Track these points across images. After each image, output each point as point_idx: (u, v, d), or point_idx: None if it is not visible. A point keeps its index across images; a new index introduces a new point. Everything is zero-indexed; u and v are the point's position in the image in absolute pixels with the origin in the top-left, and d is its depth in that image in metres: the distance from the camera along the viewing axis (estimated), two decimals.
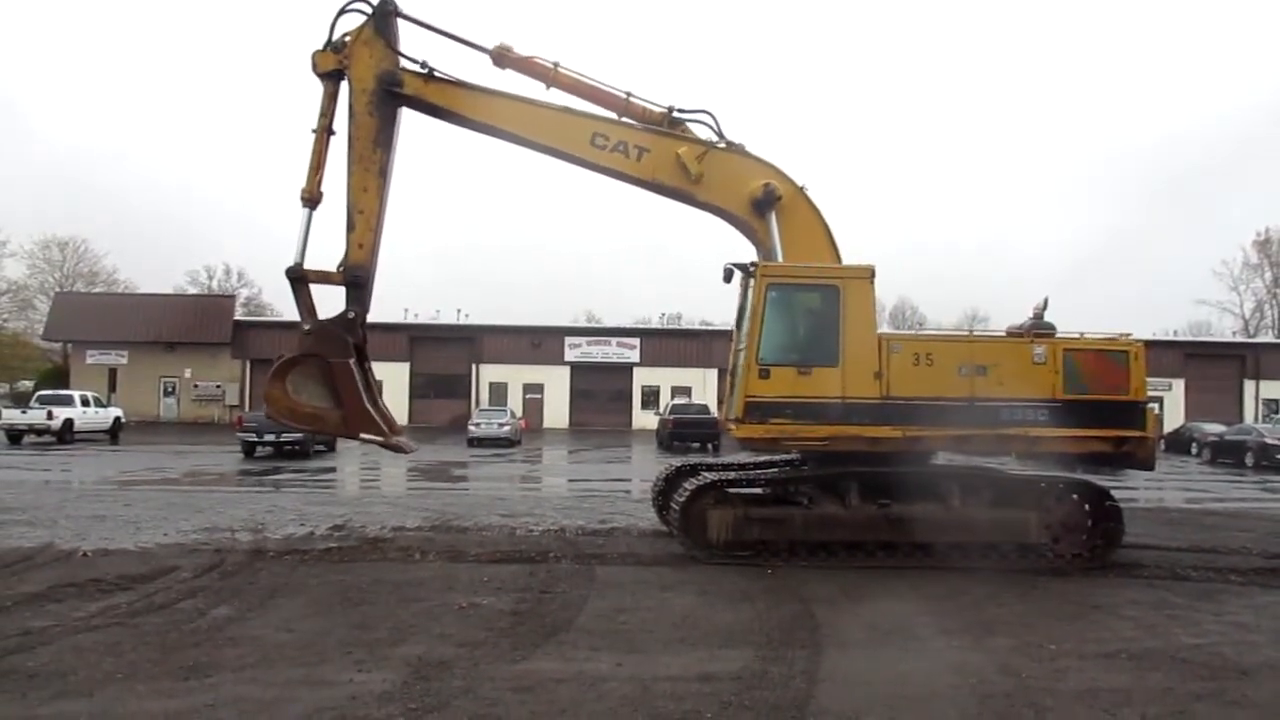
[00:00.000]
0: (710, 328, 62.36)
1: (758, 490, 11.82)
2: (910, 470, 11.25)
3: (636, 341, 55.77)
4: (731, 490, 11.48)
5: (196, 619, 8.07)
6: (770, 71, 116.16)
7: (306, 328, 11.55)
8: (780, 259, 11.60)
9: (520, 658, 7.10)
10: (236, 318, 56.51)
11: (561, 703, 6.12)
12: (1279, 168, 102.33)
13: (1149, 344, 48.88)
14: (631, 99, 12.21)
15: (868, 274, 11.23)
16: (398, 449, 12.22)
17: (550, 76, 12.16)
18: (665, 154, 11.93)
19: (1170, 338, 60.09)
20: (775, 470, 12.51)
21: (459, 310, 57.90)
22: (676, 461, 14.64)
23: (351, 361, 11.58)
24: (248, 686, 6.31)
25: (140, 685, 6.28)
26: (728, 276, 11.65)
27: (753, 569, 10.62)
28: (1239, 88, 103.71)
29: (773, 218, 11.81)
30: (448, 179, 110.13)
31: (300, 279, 11.56)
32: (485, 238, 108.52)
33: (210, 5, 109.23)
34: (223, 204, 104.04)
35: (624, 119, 12.17)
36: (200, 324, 53.97)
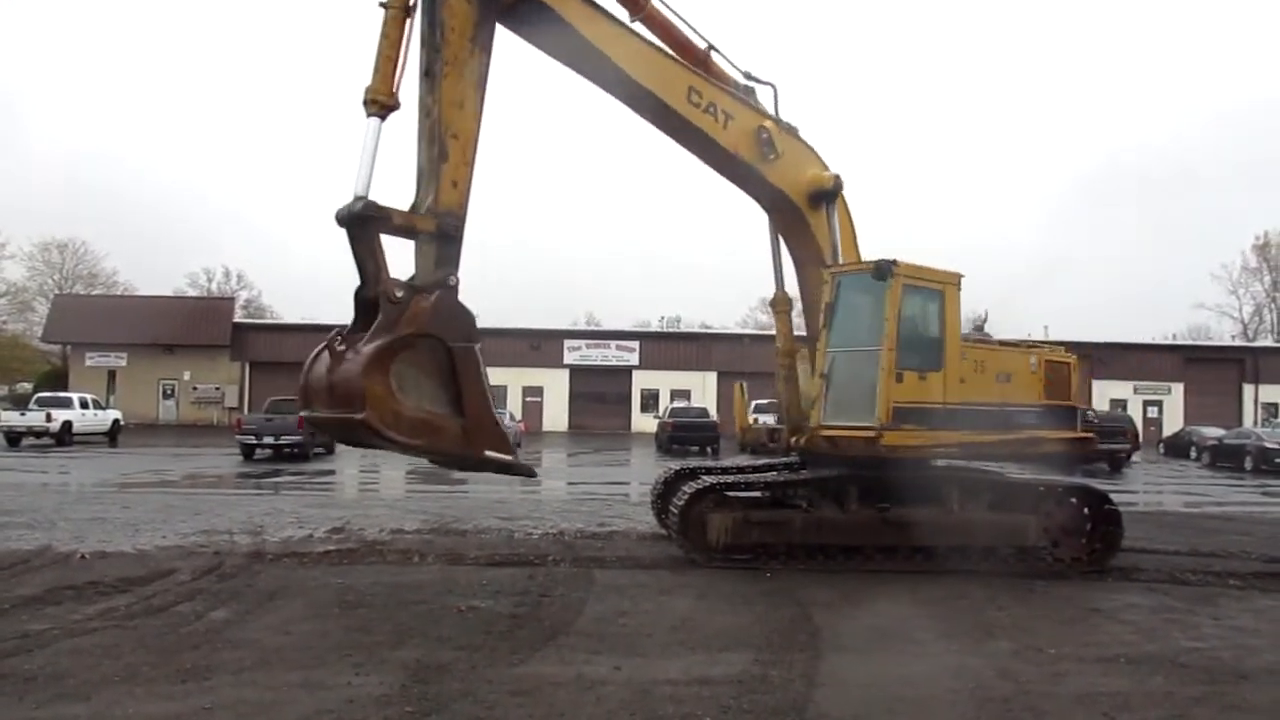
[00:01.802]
0: (709, 331, 62.48)
1: (757, 494, 11.81)
2: (909, 474, 11.26)
3: (636, 344, 55.76)
4: (730, 494, 11.47)
5: (194, 622, 8.06)
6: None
7: (398, 294, 8.05)
8: (840, 256, 11.59)
9: (519, 661, 7.10)
10: (236, 320, 56.50)
11: (560, 706, 6.12)
12: (1278, 171, 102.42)
13: (1149, 348, 48.43)
14: (713, 54, 11.13)
15: (959, 280, 11.41)
16: (524, 473, 9.56)
17: (643, 5, 10.47)
18: (748, 125, 11.17)
19: (1170, 341, 60.16)
20: (774, 474, 12.51)
21: None
22: (675, 465, 14.63)
23: (479, 348, 8.58)
24: (246, 689, 6.30)
25: (138, 688, 6.27)
26: (883, 274, 10.82)
27: (751, 572, 10.61)
28: (1240, 90, 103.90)
29: (834, 212, 11.70)
30: None
31: (372, 219, 8.05)
32: (484, 240, 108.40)
33: (204, 6, 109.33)
34: (222, 206, 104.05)
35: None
36: (199, 326, 53.97)
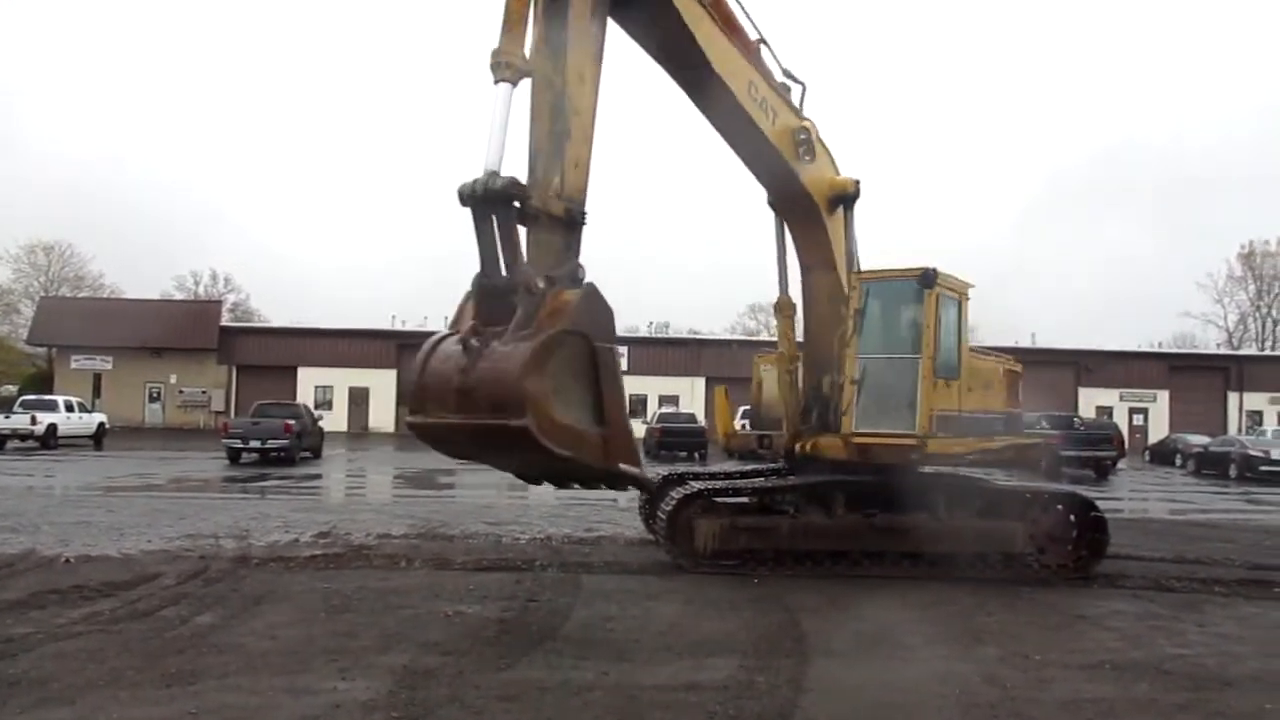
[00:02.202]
0: (698, 336, 62.46)
1: (744, 499, 11.82)
2: (897, 480, 11.29)
3: (624, 350, 55.67)
4: (718, 499, 11.48)
5: (179, 626, 8.02)
6: None
7: (539, 284, 7.21)
8: (858, 261, 11.68)
9: (506, 666, 7.08)
10: (223, 323, 56.26)
11: (547, 711, 6.11)
12: (1263, 180, 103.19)
13: (1134, 355, 48.68)
14: (761, 49, 10.76)
15: (968, 290, 11.77)
16: (649, 488, 8.78)
17: None
18: (789, 123, 11.06)
19: (1155, 349, 60.50)
20: (761, 479, 12.52)
21: (446, 318, 57.46)
22: (663, 470, 14.62)
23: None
24: (231, 694, 6.27)
25: (122, 693, 6.23)
26: (930, 282, 10.92)
27: (739, 578, 10.61)
28: (1225, 100, 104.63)
29: (851, 217, 11.75)
30: (435, 184, 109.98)
31: (512, 200, 7.25)
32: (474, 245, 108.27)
33: (192, 10, 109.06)
34: (210, 209, 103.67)
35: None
36: (186, 329, 53.68)
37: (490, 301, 7.43)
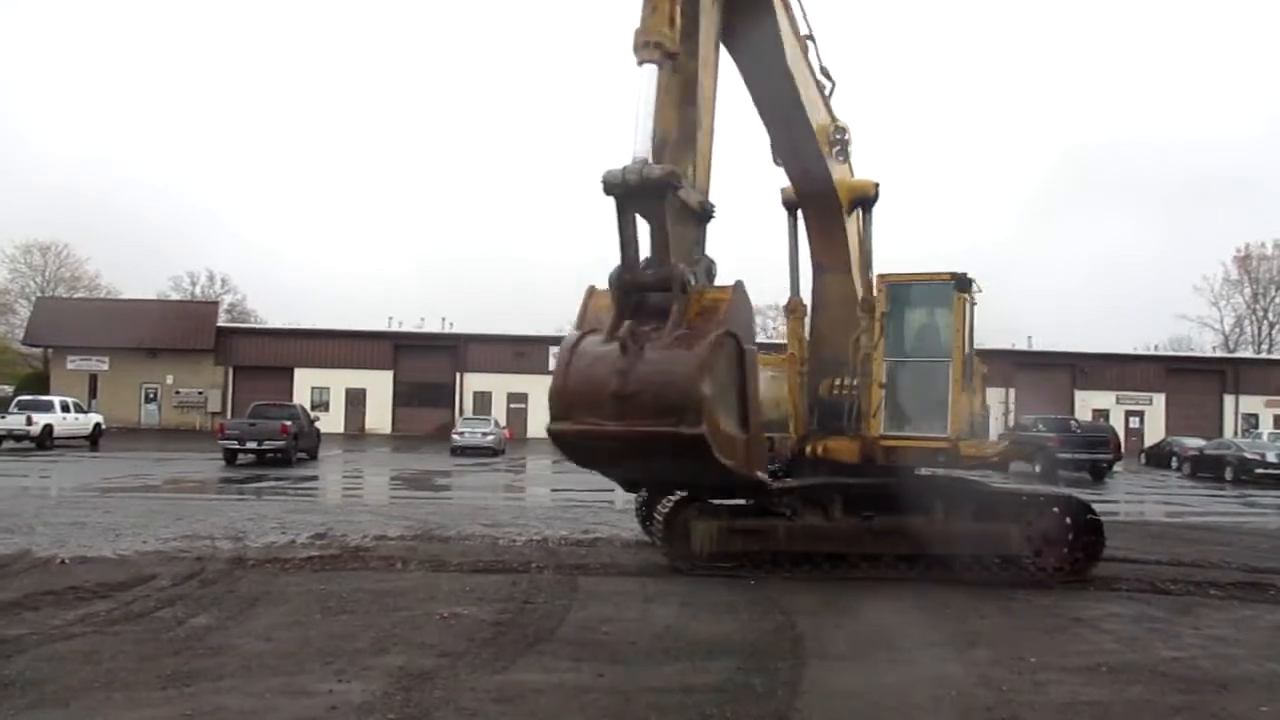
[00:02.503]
0: None
1: (741, 501, 11.80)
2: (893, 482, 11.30)
3: None
4: (714, 501, 11.47)
5: (175, 628, 8.00)
6: None
7: (691, 280, 6.88)
8: (872, 262, 11.74)
9: (502, 668, 7.07)
10: (219, 324, 56.15)
11: (543, 714, 6.10)
12: (1260, 184, 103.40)
13: (1130, 358, 48.86)
14: (810, 45, 10.72)
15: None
16: (770, 495, 8.94)
17: None
18: (825, 118, 11.08)
19: (1151, 352, 60.55)
20: None
21: (444, 319, 57.57)
22: None
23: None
24: (226, 696, 6.26)
25: (117, 694, 6.21)
26: (966, 286, 11.07)
27: (736, 580, 10.60)
28: (1221, 104, 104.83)
29: (869, 219, 11.79)
30: (434, 187, 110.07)
31: (670, 189, 6.89)
32: (470, 247, 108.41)
33: (185, 10, 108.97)
34: (207, 210, 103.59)
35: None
36: (183, 330, 53.59)
37: (628, 298, 7.03)
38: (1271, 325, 73.61)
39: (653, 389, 6.55)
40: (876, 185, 11.70)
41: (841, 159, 11.37)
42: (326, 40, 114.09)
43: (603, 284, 7.50)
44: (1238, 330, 74.60)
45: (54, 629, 7.83)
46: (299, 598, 9.33)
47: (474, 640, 7.83)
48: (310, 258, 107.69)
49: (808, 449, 11.69)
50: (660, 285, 6.91)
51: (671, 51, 7.03)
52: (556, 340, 56.41)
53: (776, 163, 11.49)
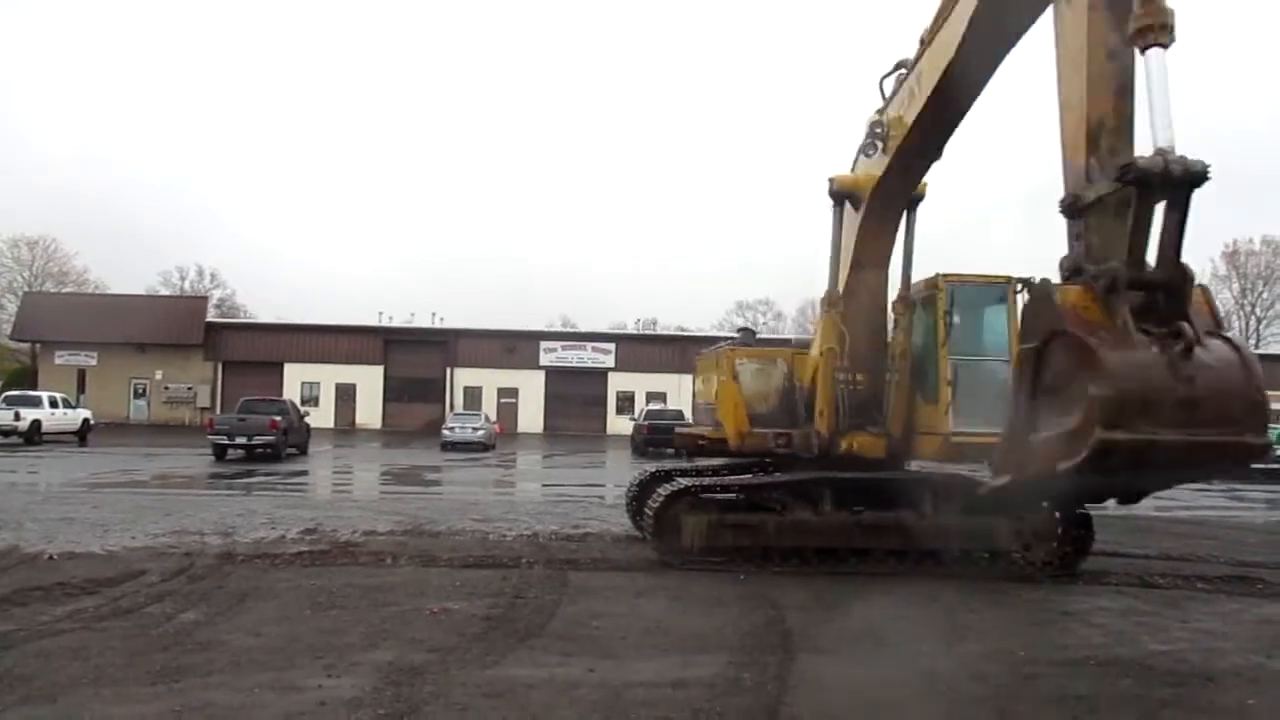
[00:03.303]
0: (686, 333, 62.52)
1: (731, 496, 11.82)
2: (883, 477, 11.31)
3: (612, 346, 55.76)
4: (705, 496, 11.48)
5: (164, 623, 7.98)
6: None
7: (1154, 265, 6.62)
8: (913, 260, 11.80)
9: (492, 663, 7.07)
10: (209, 319, 56.07)
11: (533, 708, 6.10)
12: (1247, 179, 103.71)
13: None
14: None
15: None
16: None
17: None
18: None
19: None
20: (749, 475, 12.52)
21: (434, 314, 57.55)
22: (650, 467, 14.62)
23: None
24: (215, 692, 6.24)
25: (106, 690, 6.19)
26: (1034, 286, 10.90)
27: (726, 575, 10.62)
28: (1209, 99, 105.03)
29: (915, 218, 11.80)
30: (424, 183, 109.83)
31: (1203, 182, 6.54)
32: (461, 242, 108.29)
33: (182, 9, 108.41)
34: (196, 205, 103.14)
35: None
36: (172, 325, 53.43)
37: (1129, 298, 6.61)
38: (1260, 320, 74.02)
39: (1218, 397, 6.30)
40: (924, 184, 11.71)
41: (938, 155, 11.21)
42: (326, 40, 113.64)
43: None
44: (1227, 325, 74.93)
45: (42, 625, 7.80)
46: (288, 593, 9.31)
47: (464, 635, 7.82)
48: (300, 253, 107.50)
49: (843, 444, 11.58)
50: (1165, 284, 6.62)
51: (1173, 28, 6.60)
52: (547, 335, 56.95)
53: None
